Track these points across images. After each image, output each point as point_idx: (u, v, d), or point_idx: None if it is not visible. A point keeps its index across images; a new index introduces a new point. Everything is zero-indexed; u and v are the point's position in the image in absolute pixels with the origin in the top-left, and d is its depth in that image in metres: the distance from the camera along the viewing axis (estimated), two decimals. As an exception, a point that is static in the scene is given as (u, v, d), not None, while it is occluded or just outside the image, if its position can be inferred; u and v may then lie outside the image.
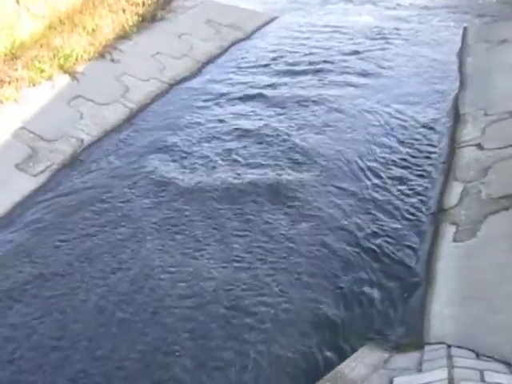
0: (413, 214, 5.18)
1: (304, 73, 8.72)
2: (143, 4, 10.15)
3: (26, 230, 5.29)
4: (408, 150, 6.29)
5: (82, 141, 6.82)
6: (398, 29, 10.70)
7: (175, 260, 4.76)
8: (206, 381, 3.65)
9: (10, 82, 7.02)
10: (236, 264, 4.66)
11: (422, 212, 5.20)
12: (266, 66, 9.21)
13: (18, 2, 8.53)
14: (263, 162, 6.18)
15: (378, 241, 4.85)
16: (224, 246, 4.90)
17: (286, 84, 8.34)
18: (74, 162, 6.46)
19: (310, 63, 9.09)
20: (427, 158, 6.12)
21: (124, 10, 9.75)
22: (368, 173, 5.87)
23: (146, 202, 5.60)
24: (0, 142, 6.32)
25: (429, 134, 6.62)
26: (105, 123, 7.25)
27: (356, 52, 9.50)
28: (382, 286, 4.37)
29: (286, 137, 6.69)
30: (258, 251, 4.80)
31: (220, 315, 4.14)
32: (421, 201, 5.37)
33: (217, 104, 7.84)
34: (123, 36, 9.17)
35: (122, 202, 5.62)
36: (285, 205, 5.40)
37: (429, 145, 6.38)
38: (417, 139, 6.51)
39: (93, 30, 8.81)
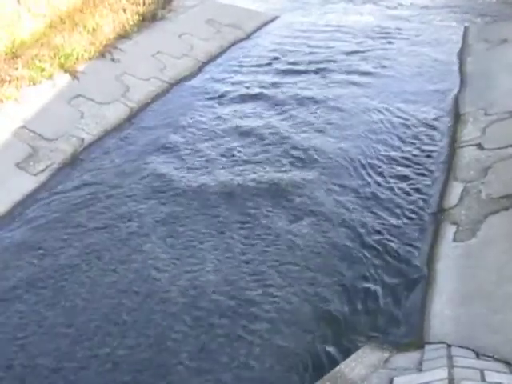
0: (413, 214, 5.17)
1: (305, 72, 8.72)
2: (144, 3, 10.15)
3: (28, 227, 5.29)
4: (408, 149, 6.29)
5: (83, 140, 6.82)
6: (398, 28, 10.70)
7: (178, 254, 4.80)
8: (210, 365, 3.74)
9: (10, 81, 7.01)
10: (238, 259, 4.70)
11: (422, 212, 5.20)
12: (266, 65, 9.21)
13: (18, 1, 8.54)
14: (264, 161, 6.19)
15: (378, 240, 4.85)
16: (226, 241, 4.94)
17: (286, 83, 8.33)
18: (74, 161, 6.46)
19: (311, 62, 9.09)
20: (427, 157, 6.11)
21: (124, 10, 9.75)
22: (368, 172, 5.87)
23: (147, 201, 5.60)
24: (0, 141, 6.32)
25: (429, 133, 6.62)
26: (105, 122, 7.25)
27: (357, 51, 9.50)
28: (381, 285, 4.36)
29: (286, 136, 6.70)
30: (260, 247, 4.83)
31: (222, 305, 4.22)
32: (421, 201, 5.37)
33: (217, 103, 7.84)
34: (124, 35, 9.16)
35: (122, 201, 5.62)
36: (286, 203, 5.41)
37: (429, 144, 6.38)
38: (417, 139, 6.50)
39: (93, 30, 8.80)
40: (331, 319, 4.06)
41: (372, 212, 5.22)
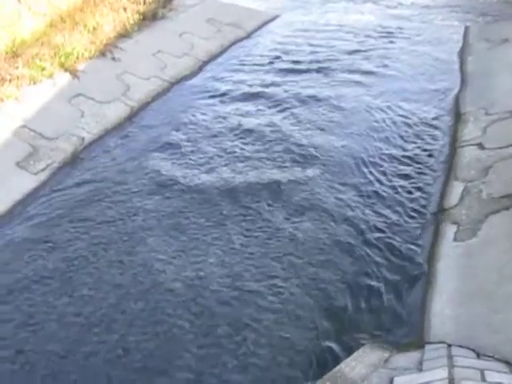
0: (413, 214, 5.18)
1: (306, 71, 8.71)
2: (144, 2, 10.14)
3: (31, 224, 5.29)
4: (409, 148, 6.29)
5: (83, 139, 6.82)
6: (399, 27, 10.68)
7: (182, 247, 4.86)
8: (216, 352, 3.83)
9: (10, 80, 7.00)
10: (240, 252, 4.75)
11: (422, 212, 5.20)
12: (267, 64, 9.20)
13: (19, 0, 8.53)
14: (266, 159, 6.18)
15: (378, 238, 4.85)
16: (228, 236, 4.97)
17: (288, 82, 8.32)
18: (74, 161, 6.46)
19: (312, 62, 9.07)
20: (428, 157, 6.11)
21: (125, 9, 9.74)
22: (369, 170, 5.87)
23: (149, 197, 5.61)
24: (1, 140, 6.31)
25: (429, 132, 6.62)
26: (106, 121, 7.25)
27: (358, 50, 9.49)
28: (381, 284, 4.36)
29: (288, 134, 6.69)
30: (262, 242, 4.87)
31: (227, 295, 4.30)
32: (421, 200, 5.37)
33: (218, 102, 7.83)
34: (124, 34, 9.15)
35: (124, 198, 5.62)
36: (288, 200, 5.41)
37: (429, 144, 6.37)
38: (417, 138, 6.50)
39: (94, 29, 8.79)
40: (331, 312, 4.11)
41: (372, 210, 5.22)
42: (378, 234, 4.90)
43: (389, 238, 4.85)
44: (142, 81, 8.29)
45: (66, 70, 7.71)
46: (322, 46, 9.84)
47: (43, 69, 7.44)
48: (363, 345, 3.72)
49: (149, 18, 9.93)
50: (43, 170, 6.16)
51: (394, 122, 6.91)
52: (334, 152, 6.24)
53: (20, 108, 6.82)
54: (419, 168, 5.90)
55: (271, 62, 9.27)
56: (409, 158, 6.11)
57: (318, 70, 8.69)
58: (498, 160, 5.39)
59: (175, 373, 3.70)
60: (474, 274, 4.15)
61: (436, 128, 6.73)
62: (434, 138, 6.51)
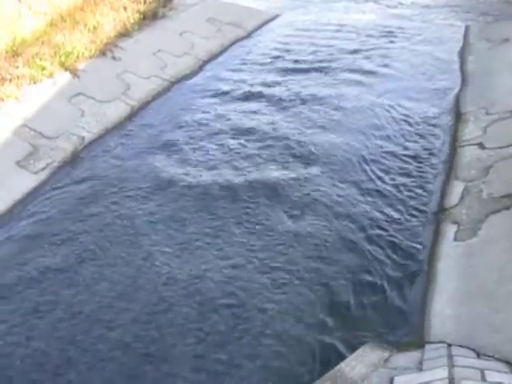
0: (413, 213, 5.17)
1: (306, 70, 8.71)
2: (145, 2, 10.14)
3: (29, 224, 5.29)
4: (409, 148, 6.28)
5: (83, 138, 6.82)
6: (400, 27, 10.68)
7: (183, 242, 4.91)
8: (221, 340, 3.91)
9: (10, 80, 7.00)
10: (242, 248, 4.79)
11: (422, 212, 5.19)
12: (268, 63, 9.19)
13: (19, -1, 8.54)
14: (267, 158, 6.19)
15: (377, 238, 4.85)
16: (230, 232, 5.01)
17: (288, 81, 8.32)
18: (74, 160, 6.46)
19: (313, 61, 9.08)
20: (428, 156, 6.11)
21: (125, 8, 9.73)
22: (370, 170, 5.87)
23: (149, 197, 5.61)
24: (1, 140, 6.31)
25: (430, 132, 6.62)
26: (106, 121, 7.24)
27: (359, 50, 9.48)
28: (380, 283, 4.36)
29: (289, 133, 6.69)
30: (263, 239, 4.90)
31: (229, 287, 4.36)
32: (421, 200, 5.36)
33: (218, 101, 7.83)
34: (124, 34, 9.15)
35: (124, 197, 5.62)
36: (289, 198, 5.43)
37: (430, 143, 6.37)
38: (418, 138, 6.50)
39: (94, 28, 8.79)
40: (330, 307, 4.16)
41: (373, 209, 5.22)
42: (377, 234, 4.90)
43: (388, 238, 4.84)
44: (142, 80, 8.29)
45: (66, 69, 7.70)
46: (322, 45, 9.84)
47: (43, 68, 7.43)
48: (363, 343, 3.72)
49: (149, 18, 9.93)
50: (43, 169, 6.16)
51: (395, 122, 6.91)
52: (335, 150, 6.25)
53: (20, 107, 6.82)
54: (419, 168, 5.89)
55: (272, 62, 9.27)
56: (409, 157, 6.11)
57: (319, 69, 8.69)
58: (498, 160, 5.39)
59: (179, 359, 3.78)
60: (474, 273, 4.15)
61: (436, 127, 6.72)
62: (434, 137, 6.50)
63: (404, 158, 6.10)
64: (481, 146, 5.81)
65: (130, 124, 7.32)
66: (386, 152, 6.24)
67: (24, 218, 5.39)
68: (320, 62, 9.03)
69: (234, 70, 9.01)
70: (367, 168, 5.91)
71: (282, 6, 12.52)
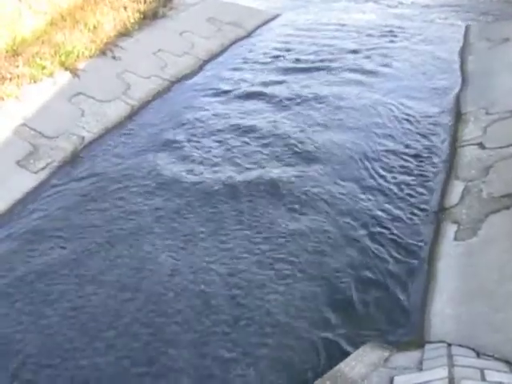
0: (413, 213, 5.17)
1: (307, 70, 8.71)
2: (145, 1, 10.15)
3: (29, 223, 5.30)
4: (409, 148, 6.28)
5: (83, 138, 6.81)
6: (400, 27, 10.69)
7: (184, 241, 4.93)
8: (225, 330, 3.98)
9: (11, 79, 7.00)
10: (243, 245, 4.82)
11: (422, 211, 5.19)
12: (268, 63, 9.20)
13: (19, -2, 8.54)
14: (267, 157, 6.19)
15: (377, 236, 4.86)
16: (231, 230, 5.03)
17: (288, 81, 8.32)
18: (74, 159, 6.46)
19: (313, 61, 9.08)
20: (428, 156, 6.11)
21: (125, 7, 9.74)
22: (370, 170, 5.87)
23: (150, 196, 5.62)
24: (1, 139, 6.31)
25: (430, 132, 6.61)
26: (106, 120, 7.24)
27: (359, 49, 9.49)
28: (380, 282, 4.36)
29: (289, 132, 6.69)
30: (264, 236, 4.92)
31: (231, 280, 4.43)
32: (421, 199, 5.36)
33: (218, 101, 7.83)
34: (124, 33, 9.15)
35: (123, 198, 5.62)
36: (290, 197, 5.43)
37: (430, 143, 6.37)
38: (418, 137, 6.50)
39: (94, 27, 8.79)
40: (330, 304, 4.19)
41: (374, 208, 5.23)
42: (376, 233, 4.90)
43: (389, 235, 4.85)
44: (142, 79, 8.29)
45: (66, 68, 7.71)
46: (323, 44, 9.84)
47: (43, 67, 7.44)
48: (363, 343, 3.72)
49: (149, 17, 9.94)
50: (43, 168, 6.16)
51: (395, 121, 6.91)
52: (335, 149, 6.26)
53: (20, 107, 6.82)
54: (419, 167, 5.89)
55: (272, 61, 9.27)
56: (409, 155, 6.11)
57: (319, 69, 8.69)
58: (498, 160, 5.39)
59: (181, 349, 3.83)
60: (474, 273, 4.15)
61: (436, 127, 6.72)
62: (434, 137, 6.50)
63: (404, 156, 6.10)
64: (481, 145, 5.81)
65: (130, 123, 7.33)
66: (386, 151, 6.24)
67: (24, 217, 5.40)
68: (320, 61, 9.03)
69: (234, 70, 9.02)
70: (367, 167, 5.91)
71: (282, 6, 12.53)
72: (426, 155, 6.13)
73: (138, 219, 5.27)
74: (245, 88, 8.20)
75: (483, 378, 2.95)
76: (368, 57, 9.16)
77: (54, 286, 4.48)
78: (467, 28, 10.21)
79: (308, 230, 4.94)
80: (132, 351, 3.85)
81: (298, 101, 7.59)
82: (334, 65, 8.84)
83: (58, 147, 6.53)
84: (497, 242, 4.33)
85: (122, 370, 3.73)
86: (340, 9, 12.27)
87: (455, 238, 4.57)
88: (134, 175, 6.02)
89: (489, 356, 3.36)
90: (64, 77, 7.61)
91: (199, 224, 5.15)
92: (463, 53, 9.06)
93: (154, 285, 4.42)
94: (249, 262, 4.62)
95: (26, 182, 5.92)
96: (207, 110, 7.57)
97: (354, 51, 9.41)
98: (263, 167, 5.98)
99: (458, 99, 7.37)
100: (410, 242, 4.78)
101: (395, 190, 5.51)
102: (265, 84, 8.28)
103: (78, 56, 7.96)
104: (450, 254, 4.44)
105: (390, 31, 10.43)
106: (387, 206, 5.28)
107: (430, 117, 7.00)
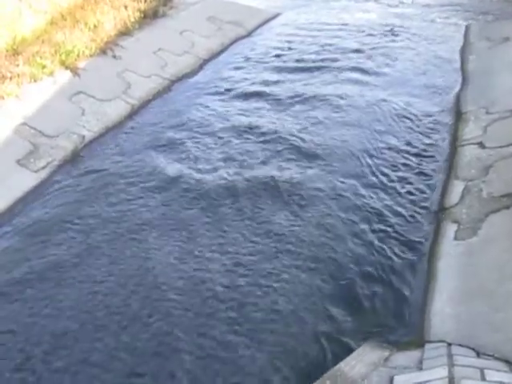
0: (413, 213, 5.17)
1: (307, 69, 8.71)
2: (145, 0, 10.14)
3: (29, 222, 5.31)
4: (409, 147, 6.28)
5: (84, 137, 6.82)
6: (401, 26, 10.68)
7: (184, 239, 4.96)
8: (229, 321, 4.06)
9: (11, 78, 7.00)
10: (242, 245, 4.84)
11: (422, 211, 5.19)
12: (267, 63, 9.19)
13: (19, -3, 8.53)
14: (267, 156, 6.20)
15: (377, 236, 4.86)
16: (230, 230, 5.04)
17: (289, 80, 8.32)
18: (75, 159, 6.46)
19: (313, 60, 9.07)
20: (428, 156, 6.11)
21: (126, 7, 9.73)
22: (370, 169, 5.88)
23: (149, 195, 5.62)
24: (1, 138, 6.31)
25: (430, 131, 6.62)
26: (106, 119, 7.24)
27: (360, 49, 9.48)
28: (380, 281, 4.37)
29: (289, 131, 6.70)
30: (264, 237, 4.93)
31: (230, 278, 4.47)
32: (421, 199, 5.37)
33: (218, 100, 7.83)
34: (125, 32, 9.15)
35: (123, 197, 5.62)
36: (290, 196, 5.45)
37: (430, 143, 6.37)
38: (418, 137, 6.50)
39: (94, 26, 8.79)
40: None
41: (374, 208, 5.24)
42: (378, 232, 4.91)
43: (387, 238, 4.85)
44: (142, 79, 8.29)
45: (66, 67, 7.70)
46: (323, 44, 9.83)
47: (44, 66, 7.43)
48: (363, 343, 3.72)
49: (149, 16, 9.94)
50: (43, 167, 6.16)
51: (395, 120, 6.92)
52: (336, 148, 6.27)
53: (20, 106, 6.82)
54: (419, 167, 5.89)
55: (273, 60, 9.27)
56: (409, 154, 6.12)
57: (320, 68, 8.69)
58: (498, 159, 5.39)
59: (187, 332, 3.97)
60: (474, 272, 4.15)
61: (436, 127, 6.72)
62: (434, 137, 6.50)
63: (404, 155, 6.11)
64: (481, 145, 5.81)
65: (130, 122, 7.33)
66: (387, 149, 6.26)
67: (25, 216, 5.40)
68: (321, 60, 9.02)
69: (234, 69, 9.01)
70: (367, 167, 5.92)
71: (282, 5, 12.52)
72: (425, 154, 6.13)
73: (138, 218, 5.27)
74: (245, 87, 8.19)
75: (483, 378, 2.95)
76: (369, 56, 9.15)
77: (58, 284, 4.52)
78: (467, 27, 10.21)
79: (310, 226, 4.98)
80: (141, 333, 3.99)
81: (299, 100, 7.59)
82: (334, 64, 8.84)
83: (59, 146, 6.53)
84: (497, 241, 4.33)
85: (132, 350, 3.89)
86: (340, 8, 12.26)
87: (455, 238, 4.58)
88: (135, 174, 6.03)
89: (489, 356, 3.36)
90: (64, 76, 7.61)
91: (200, 221, 5.17)
92: (463, 52, 9.06)
93: (156, 278, 4.49)
94: (251, 255, 4.68)
95: (26, 180, 5.93)
96: (208, 108, 7.57)
97: (355, 50, 9.40)
98: (264, 165, 6.00)
99: (458, 98, 7.37)
100: (410, 240, 4.79)
101: (393, 190, 5.51)
102: (265, 83, 8.27)
103: (78, 55, 7.97)
104: (450, 253, 4.44)
105: (391, 30, 10.43)
106: (387, 203, 5.30)
107: (431, 116, 7.01)
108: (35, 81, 7.22)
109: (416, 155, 6.13)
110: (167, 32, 9.85)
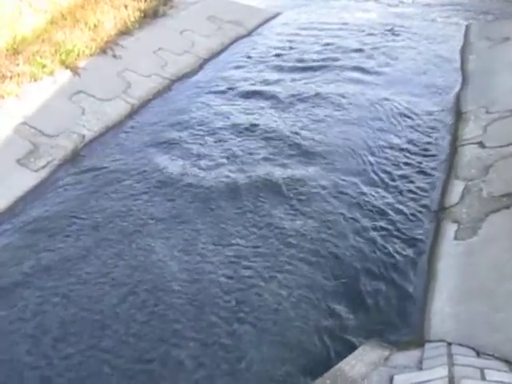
0: (413, 213, 5.18)
1: (307, 69, 8.71)
2: (145, 0, 10.14)
3: (29, 222, 5.30)
4: (409, 147, 6.29)
5: (84, 136, 6.81)
6: (401, 26, 10.69)
7: (184, 239, 4.98)
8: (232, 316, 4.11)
9: (11, 77, 7.00)
10: (242, 244, 4.86)
11: (422, 211, 5.20)
12: (267, 62, 9.18)
13: (19, -4, 8.53)
14: (267, 155, 6.20)
15: (377, 236, 4.86)
16: (230, 229, 5.06)
17: (289, 80, 8.31)
18: (75, 158, 6.46)
19: (314, 59, 9.07)
20: (428, 155, 6.11)
21: (126, 6, 9.73)
22: (370, 169, 5.88)
23: (150, 195, 5.63)
24: (1, 138, 6.31)
25: (430, 131, 6.62)
26: (106, 119, 7.24)
27: (360, 48, 9.48)
28: (380, 280, 4.37)
29: (289, 131, 6.70)
30: (264, 235, 4.95)
31: (230, 273, 4.51)
32: (421, 199, 5.37)
33: (219, 100, 7.82)
34: (125, 32, 9.15)
35: (123, 197, 5.62)
36: (290, 195, 5.45)
37: (430, 142, 6.37)
38: (418, 136, 6.50)
39: (95, 26, 8.79)
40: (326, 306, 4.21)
41: (374, 206, 5.25)
42: (376, 232, 4.91)
43: (387, 238, 4.85)
44: (142, 78, 8.28)
45: (66, 67, 7.70)
46: (324, 43, 9.84)
47: (44, 66, 7.43)
48: (363, 343, 3.73)
49: (150, 16, 9.93)
50: (44, 167, 6.16)
51: (396, 119, 6.92)
52: (337, 147, 6.28)
53: (20, 105, 6.82)
54: (419, 166, 5.90)
55: (273, 60, 9.26)
56: (409, 156, 6.11)
57: (321, 67, 8.70)
58: (498, 159, 5.39)
59: (191, 321, 4.04)
60: (474, 272, 4.15)
61: (437, 126, 6.72)
62: (434, 136, 6.50)
63: (405, 153, 6.12)
64: (481, 144, 5.81)
65: (130, 122, 7.33)
66: (387, 147, 6.27)
67: (25, 216, 5.40)
68: (322, 59, 9.02)
69: (234, 68, 9.01)
70: (368, 168, 5.91)
71: (282, 5, 12.52)
72: (425, 153, 6.14)
73: (135, 221, 5.26)
74: (246, 86, 8.19)
75: (483, 378, 2.95)
76: (369, 55, 9.15)
77: (64, 276, 4.58)
78: (468, 27, 10.21)
79: (311, 222, 5.01)
80: (149, 321, 4.08)
81: (300, 99, 7.59)
82: (335, 63, 8.84)
83: (59, 145, 6.53)
84: (497, 241, 4.33)
85: (140, 336, 3.99)
86: (340, 7, 12.27)
87: (455, 238, 4.58)
88: (136, 172, 6.04)
89: (489, 355, 3.36)
90: (64, 75, 7.61)
91: (200, 219, 5.19)
92: (464, 52, 9.06)
93: (164, 268, 4.57)
94: (253, 248, 4.74)
95: (26, 180, 5.93)
96: (208, 107, 7.57)
97: (356, 50, 9.40)
98: (266, 162, 6.01)
99: (458, 98, 7.37)
100: (409, 240, 4.80)
101: (393, 190, 5.52)
102: (266, 82, 8.28)
103: (78, 54, 7.96)
104: (450, 253, 4.44)
105: (392, 30, 10.43)
106: (388, 200, 5.31)
107: (431, 115, 7.01)
108: (35, 80, 7.22)
109: (416, 154, 6.13)
110: (167, 31, 9.85)
